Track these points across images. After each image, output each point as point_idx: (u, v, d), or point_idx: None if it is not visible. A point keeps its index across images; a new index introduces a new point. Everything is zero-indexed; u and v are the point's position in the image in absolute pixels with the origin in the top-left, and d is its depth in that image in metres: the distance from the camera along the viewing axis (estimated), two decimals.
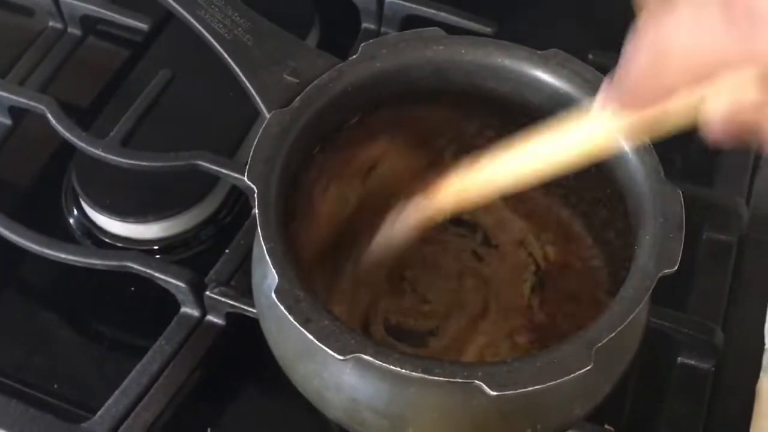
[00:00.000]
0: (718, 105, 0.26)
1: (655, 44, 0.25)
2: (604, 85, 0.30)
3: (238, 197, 0.53)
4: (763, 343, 0.47)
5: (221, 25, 0.41)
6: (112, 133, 0.51)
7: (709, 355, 0.45)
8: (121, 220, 0.51)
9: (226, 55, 0.41)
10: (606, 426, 0.44)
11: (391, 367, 0.31)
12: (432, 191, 0.38)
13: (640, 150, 0.37)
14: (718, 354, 0.45)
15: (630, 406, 0.46)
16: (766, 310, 0.48)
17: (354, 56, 0.40)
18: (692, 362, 0.46)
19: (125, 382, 0.44)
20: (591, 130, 0.32)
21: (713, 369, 0.46)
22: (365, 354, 0.31)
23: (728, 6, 0.23)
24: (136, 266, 0.47)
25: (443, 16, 0.56)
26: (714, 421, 0.45)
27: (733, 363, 0.46)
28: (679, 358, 0.46)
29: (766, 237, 0.50)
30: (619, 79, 0.28)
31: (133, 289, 0.50)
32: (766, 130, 0.26)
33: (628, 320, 0.33)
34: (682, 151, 0.53)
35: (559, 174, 0.34)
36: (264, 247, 0.34)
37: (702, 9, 0.24)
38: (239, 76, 0.40)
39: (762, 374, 0.45)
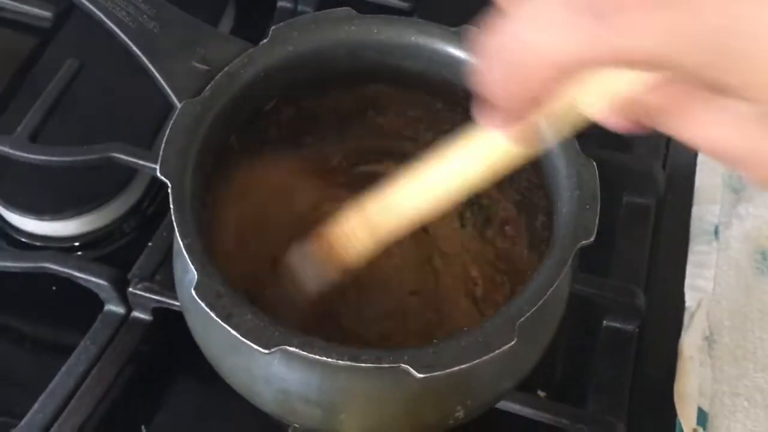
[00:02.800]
0: (603, 98, 0.26)
1: (504, 52, 0.23)
2: (477, 109, 0.27)
3: (160, 187, 0.51)
4: (684, 303, 0.48)
5: (125, 13, 0.40)
6: (19, 129, 0.49)
7: (632, 318, 0.47)
8: (36, 218, 0.49)
9: (131, 45, 0.39)
10: (538, 392, 0.45)
11: (317, 356, 0.31)
12: (334, 235, 0.36)
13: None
14: (640, 316, 0.47)
15: (560, 371, 0.47)
16: (685, 270, 0.49)
17: (265, 40, 0.39)
18: (617, 325, 0.47)
19: (51, 386, 0.43)
20: (489, 148, 0.30)
21: (637, 330, 0.47)
22: (290, 346, 0.31)
23: (570, 2, 0.22)
24: (54, 266, 0.45)
25: None
26: (640, 380, 0.46)
27: (656, 324, 0.48)
28: (604, 322, 0.47)
29: (683, 199, 0.52)
30: (482, 98, 0.25)
31: (54, 288, 0.48)
32: (659, 115, 0.25)
33: (548, 293, 0.34)
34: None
35: (467, 195, 0.32)
36: (180, 243, 0.33)
37: (546, 6, 0.22)
38: (147, 65, 0.39)
39: (683, 333, 0.47)
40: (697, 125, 0.25)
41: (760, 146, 0.24)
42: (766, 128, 0.23)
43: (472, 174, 0.31)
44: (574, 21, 0.22)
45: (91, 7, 0.40)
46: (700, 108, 0.24)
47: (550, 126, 0.28)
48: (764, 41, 0.21)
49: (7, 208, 0.49)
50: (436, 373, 0.31)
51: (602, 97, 0.26)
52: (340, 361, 0.31)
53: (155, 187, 0.52)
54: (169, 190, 0.34)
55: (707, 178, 0.52)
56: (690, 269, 0.49)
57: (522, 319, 0.33)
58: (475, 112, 0.27)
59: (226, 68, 0.38)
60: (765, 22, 0.21)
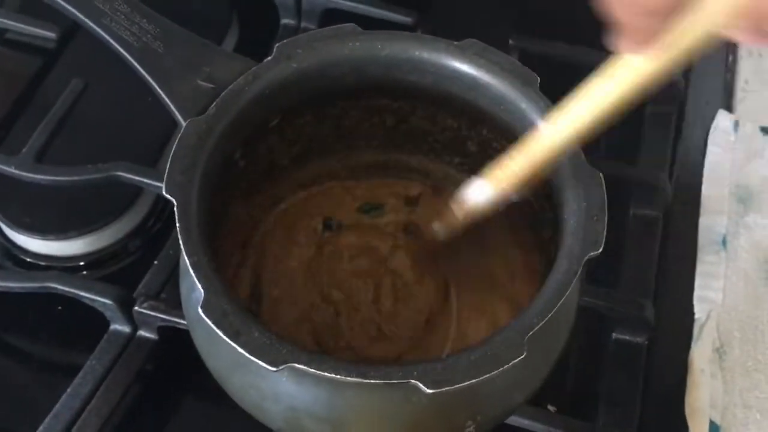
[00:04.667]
0: (726, 11, 0.26)
1: None
2: (612, 35, 0.29)
3: (165, 205, 0.51)
4: (693, 314, 0.48)
5: (128, 33, 0.40)
6: (24, 149, 0.49)
7: (641, 330, 0.46)
8: (41, 238, 0.49)
9: (136, 64, 0.39)
10: (548, 406, 0.45)
11: (326, 374, 0.31)
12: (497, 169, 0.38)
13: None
14: (650, 328, 0.46)
15: (570, 384, 0.47)
16: (693, 281, 0.49)
17: (269, 57, 0.39)
18: (626, 337, 0.47)
19: (57, 406, 0.43)
20: (630, 73, 0.31)
21: (647, 342, 0.47)
22: (298, 363, 0.31)
23: None
24: (59, 286, 0.45)
25: (362, 8, 0.55)
26: (651, 392, 0.46)
27: (665, 335, 0.47)
28: (613, 334, 0.47)
29: (690, 210, 0.51)
30: (613, 24, 0.27)
31: (59, 307, 0.48)
32: None
33: (557, 306, 0.33)
34: (605, 130, 0.53)
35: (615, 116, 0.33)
36: (187, 262, 0.33)
37: None
38: (152, 84, 0.39)
39: (693, 345, 0.47)
40: None
41: None
42: None
43: (617, 98, 0.32)
44: None
45: (96, 27, 0.40)
46: None
47: (683, 44, 0.28)
48: None
49: (12, 228, 0.49)
50: (446, 389, 0.31)
51: (725, 11, 0.26)
52: (348, 378, 0.31)
53: (160, 206, 0.52)
54: (175, 209, 0.34)
55: (714, 189, 0.52)
56: (699, 280, 0.49)
57: (531, 332, 0.32)
58: (611, 41, 0.29)
59: (231, 86, 0.38)
60: None
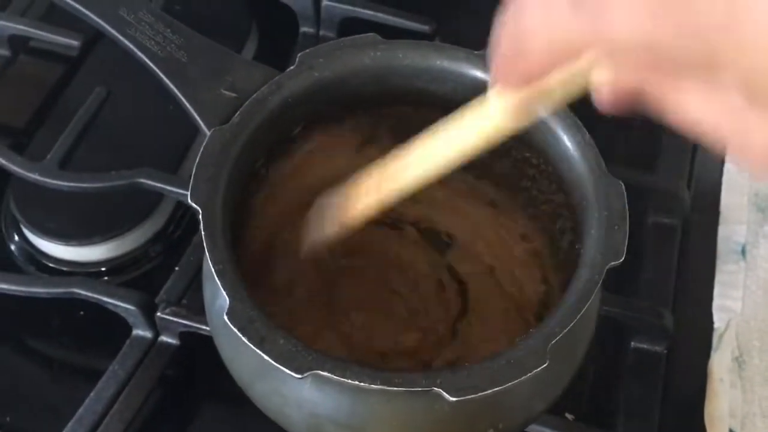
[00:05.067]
0: (599, 77, 0.27)
1: (514, 28, 0.27)
2: (490, 64, 0.30)
3: (186, 211, 0.52)
4: (712, 323, 0.48)
5: (153, 42, 0.40)
6: (48, 156, 0.50)
7: (660, 338, 0.46)
8: (64, 244, 0.50)
9: (160, 74, 0.40)
10: (566, 414, 0.45)
11: (350, 381, 0.31)
12: (348, 192, 0.38)
13: (581, 145, 0.37)
14: (669, 337, 0.46)
15: (588, 393, 0.47)
16: (712, 290, 0.49)
17: (291, 67, 0.40)
18: (645, 346, 0.47)
19: (80, 411, 0.43)
20: (486, 112, 0.32)
21: (666, 351, 0.47)
22: (322, 370, 0.31)
23: None
24: (82, 292, 0.46)
25: (381, 17, 0.56)
26: (670, 402, 0.46)
27: (684, 344, 0.47)
28: (632, 343, 0.47)
29: (708, 218, 0.52)
30: (493, 60, 0.29)
31: (82, 312, 0.49)
32: (652, 98, 0.26)
33: (579, 315, 0.34)
34: (623, 139, 0.54)
35: (469, 157, 0.34)
36: (212, 269, 0.33)
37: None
38: (176, 94, 0.39)
39: (712, 354, 0.47)
40: (685, 106, 0.25)
41: (746, 126, 0.24)
42: (752, 108, 0.24)
43: (467, 143, 0.33)
44: (578, 11, 0.24)
45: (121, 37, 0.41)
46: (687, 89, 0.25)
47: (542, 100, 0.30)
48: (755, 16, 0.21)
49: (35, 234, 0.50)
50: (469, 397, 0.31)
51: (602, 75, 0.27)
52: (372, 385, 0.31)
53: (180, 212, 0.52)
54: (200, 217, 0.35)
55: (733, 198, 0.52)
56: (718, 289, 0.49)
57: (554, 340, 0.32)
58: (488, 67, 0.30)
59: (254, 95, 0.39)
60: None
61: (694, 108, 0.25)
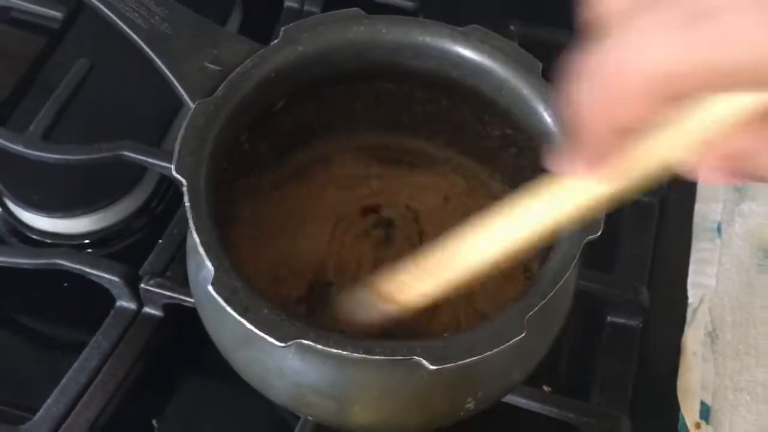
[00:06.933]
0: (695, 141, 0.23)
1: (599, 72, 0.22)
2: (556, 156, 0.26)
3: (169, 185, 0.52)
4: (687, 299, 0.49)
5: (136, 15, 0.40)
6: (31, 127, 0.50)
7: (636, 313, 0.47)
8: (47, 216, 0.50)
9: (144, 46, 0.40)
10: (543, 386, 0.46)
11: (333, 350, 0.32)
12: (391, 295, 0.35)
13: (562, 126, 0.38)
14: (644, 312, 0.47)
15: (564, 366, 0.48)
16: (688, 267, 0.50)
17: (275, 41, 0.40)
18: (621, 320, 0.48)
19: (64, 381, 0.44)
20: (563, 195, 0.28)
21: (641, 326, 0.48)
22: (306, 339, 0.32)
23: (663, 18, 0.20)
24: (66, 263, 0.46)
25: None
26: (644, 374, 0.47)
27: (659, 319, 0.48)
28: (608, 318, 0.48)
29: (685, 197, 0.52)
30: (568, 137, 0.24)
31: (65, 284, 0.49)
32: (754, 158, 0.23)
33: (557, 287, 0.34)
34: None
35: (529, 250, 0.31)
36: (197, 241, 0.34)
37: (643, 23, 0.20)
38: (160, 66, 0.39)
39: (686, 329, 0.48)
40: None
41: None
42: None
43: (543, 223, 0.29)
44: (667, 34, 0.20)
45: (104, 9, 0.41)
46: None
47: (636, 173, 0.26)
48: None
49: (18, 206, 0.50)
50: (448, 365, 0.32)
51: (694, 140, 0.23)
52: (354, 354, 0.32)
53: (164, 185, 0.52)
54: (184, 189, 0.35)
55: None
56: (693, 266, 0.50)
57: (531, 312, 0.33)
58: (551, 162, 0.26)
59: (238, 68, 0.39)
60: None
61: None
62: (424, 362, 0.32)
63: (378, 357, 0.32)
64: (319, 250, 0.43)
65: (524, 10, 0.57)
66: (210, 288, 0.33)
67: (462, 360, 0.32)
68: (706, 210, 0.52)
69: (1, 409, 0.45)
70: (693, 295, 0.49)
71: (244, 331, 0.32)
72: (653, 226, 0.51)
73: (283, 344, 0.31)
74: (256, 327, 0.32)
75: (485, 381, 0.36)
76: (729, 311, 0.49)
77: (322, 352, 0.32)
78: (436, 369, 0.32)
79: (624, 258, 0.50)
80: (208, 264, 0.33)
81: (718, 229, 0.51)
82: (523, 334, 0.33)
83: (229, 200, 0.42)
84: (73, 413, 0.43)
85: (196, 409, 0.46)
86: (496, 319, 0.34)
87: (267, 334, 0.32)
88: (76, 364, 0.44)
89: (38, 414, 0.43)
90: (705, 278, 0.50)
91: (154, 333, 0.46)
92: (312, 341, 0.32)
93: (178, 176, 0.35)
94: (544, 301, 0.34)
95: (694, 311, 0.48)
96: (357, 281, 0.39)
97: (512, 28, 0.56)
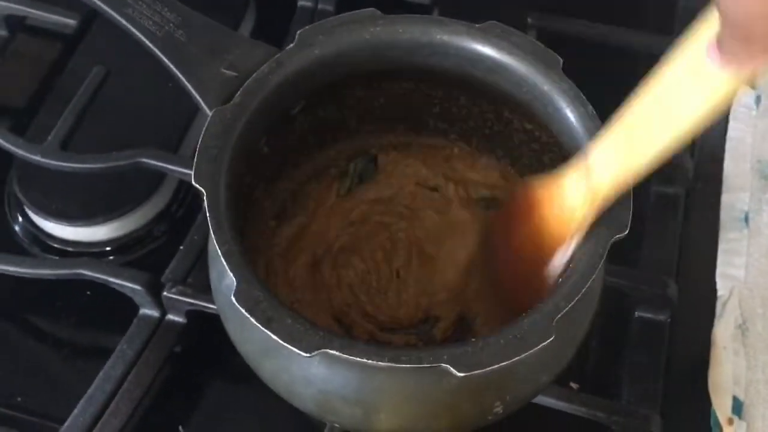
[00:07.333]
0: None
1: None
2: (711, 43, 0.26)
3: (188, 190, 0.52)
4: (715, 291, 0.48)
5: (151, 22, 0.40)
6: (50, 138, 0.50)
7: (664, 308, 0.47)
8: (68, 225, 0.50)
9: (160, 53, 0.40)
10: (571, 384, 0.45)
11: (358, 358, 0.31)
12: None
13: (584, 117, 0.37)
14: (672, 306, 0.47)
15: (592, 362, 0.47)
16: (716, 259, 0.49)
17: (291, 45, 0.39)
18: (649, 315, 0.47)
19: (90, 390, 0.44)
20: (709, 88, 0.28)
21: (669, 320, 0.47)
22: (331, 349, 0.31)
23: None
24: (89, 273, 0.46)
25: None
26: (674, 370, 0.46)
27: (687, 313, 0.47)
28: (636, 312, 0.47)
29: (712, 187, 0.51)
30: (725, 29, 0.24)
31: (88, 293, 0.49)
32: None
33: (584, 288, 0.34)
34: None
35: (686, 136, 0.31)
36: (218, 250, 0.33)
37: None
38: (176, 74, 0.39)
39: (716, 322, 0.47)
40: None
41: None
42: None
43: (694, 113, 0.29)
44: None
45: (119, 17, 0.41)
46: None
47: None
48: None
49: (39, 215, 0.50)
50: (476, 372, 0.31)
51: None
52: (380, 362, 0.31)
53: (183, 190, 0.52)
54: (205, 198, 0.35)
55: (736, 166, 0.52)
56: (721, 257, 0.49)
57: (559, 315, 0.33)
58: (714, 52, 0.26)
59: (255, 74, 0.38)
60: None
61: None
62: (452, 369, 0.31)
63: (404, 365, 0.31)
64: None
65: (541, 1, 0.56)
66: (233, 299, 0.32)
67: (490, 366, 0.31)
68: (733, 200, 0.51)
69: (28, 419, 0.45)
70: (722, 287, 0.48)
71: (268, 341, 0.32)
72: (679, 218, 0.50)
73: (308, 354, 0.31)
74: (280, 338, 0.32)
75: (513, 385, 0.36)
76: (759, 302, 0.48)
77: (347, 360, 0.32)
78: (463, 376, 0.31)
79: (650, 251, 0.49)
80: (231, 274, 0.33)
81: (746, 219, 0.50)
82: (551, 338, 0.32)
83: (250, 206, 0.42)
84: (101, 422, 0.43)
85: (222, 415, 0.46)
86: (523, 322, 0.33)
87: (291, 344, 0.31)
88: (101, 373, 0.44)
89: (65, 424, 0.43)
90: (733, 269, 0.49)
91: (178, 339, 0.46)
92: (337, 350, 0.31)
93: (198, 186, 0.35)
94: (571, 304, 0.33)
95: (724, 304, 0.48)
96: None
97: (529, 20, 0.55)
